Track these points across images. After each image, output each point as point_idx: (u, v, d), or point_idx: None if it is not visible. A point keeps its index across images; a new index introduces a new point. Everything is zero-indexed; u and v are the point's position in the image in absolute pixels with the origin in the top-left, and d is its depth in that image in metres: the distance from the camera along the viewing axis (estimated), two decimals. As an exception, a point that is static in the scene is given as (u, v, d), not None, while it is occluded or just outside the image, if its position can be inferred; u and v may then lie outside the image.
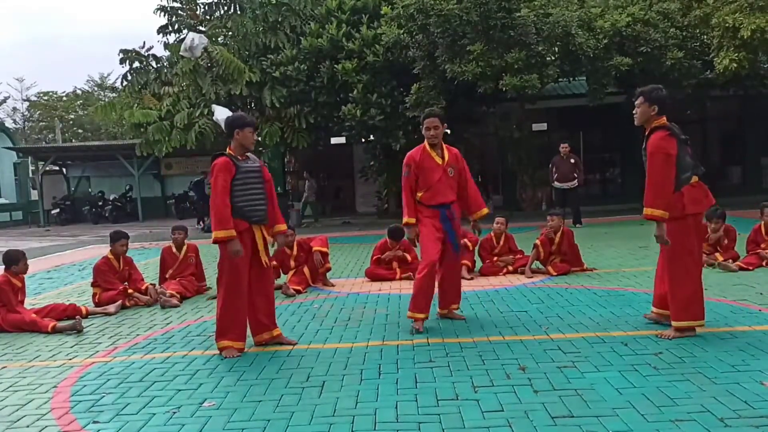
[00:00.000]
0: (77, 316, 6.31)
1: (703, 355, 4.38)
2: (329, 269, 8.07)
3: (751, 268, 7.51)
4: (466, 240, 8.01)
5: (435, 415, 3.56)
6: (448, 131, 17.69)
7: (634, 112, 4.92)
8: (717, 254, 7.87)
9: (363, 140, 18.04)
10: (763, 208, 8.00)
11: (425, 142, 5.57)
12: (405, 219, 5.55)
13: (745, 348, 4.50)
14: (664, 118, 4.78)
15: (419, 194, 5.52)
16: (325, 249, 7.94)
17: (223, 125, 15.13)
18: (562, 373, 4.17)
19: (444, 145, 5.60)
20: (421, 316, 5.38)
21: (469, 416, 3.52)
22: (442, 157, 5.52)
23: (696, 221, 4.86)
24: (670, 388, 3.79)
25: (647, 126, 4.81)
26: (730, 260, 7.69)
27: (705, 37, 15.00)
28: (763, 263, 7.63)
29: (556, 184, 13.45)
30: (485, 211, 5.78)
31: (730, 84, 15.98)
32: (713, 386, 3.80)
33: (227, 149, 5.15)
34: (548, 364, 4.36)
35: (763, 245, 7.89)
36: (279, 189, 20.43)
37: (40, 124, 46.14)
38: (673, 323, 4.83)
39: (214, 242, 4.86)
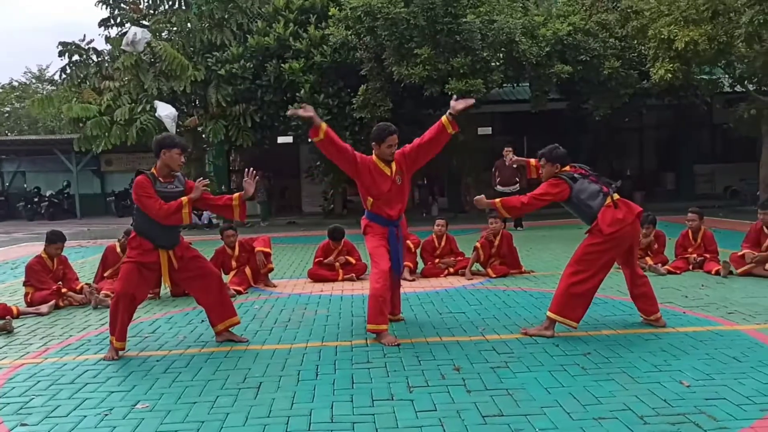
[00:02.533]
0: (7, 317, 6.14)
1: (629, 356, 4.57)
2: (271, 270, 8.05)
3: (679, 271, 7.85)
4: (408, 241, 8.11)
5: (369, 415, 3.61)
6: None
7: (540, 173, 5.50)
8: (647, 258, 8.17)
9: (309, 140, 17.99)
10: (688, 213, 8.34)
11: (374, 156, 5.42)
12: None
13: (668, 348, 4.72)
14: (567, 167, 5.33)
15: (369, 201, 5.40)
16: (267, 249, 7.92)
17: (165, 122, 14.97)
18: (495, 373, 4.28)
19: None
20: (385, 327, 5.14)
21: (403, 416, 3.59)
22: (391, 168, 5.43)
23: (621, 237, 5.10)
24: (596, 388, 3.95)
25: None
26: (660, 264, 8.00)
27: (642, 47, 15.56)
28: (690, 267, 7.98)
29: (499, 187, 13.69)
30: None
31: (666, 94, 16.61)
32: (636, 385, 3.97)
33: (152, 168, 5.08)
34: (482, 364, 4.48)
35: (690, 249, 8.25)
36: (224, 188, 20.19)
37: (-27, 116, 44.29)
38: (549, 313, 5.14)
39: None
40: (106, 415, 3.75)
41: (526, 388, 3.98)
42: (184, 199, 4.98)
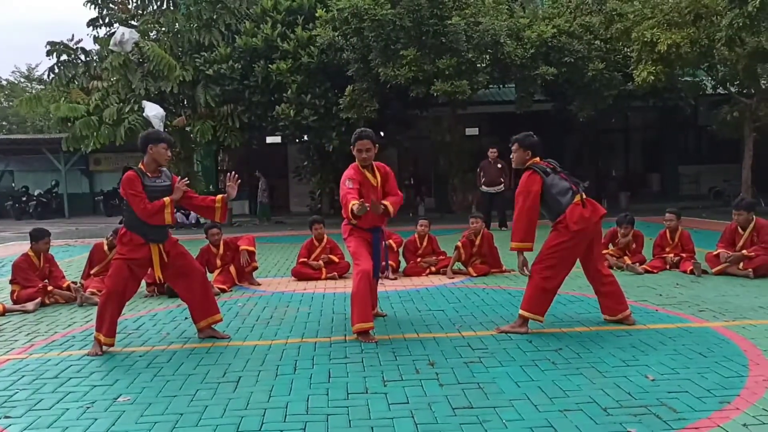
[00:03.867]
0: (-7, 314, 6.21)
1: (599, 351, 4.71)
2: (256, 268, 8.17)
3: (655, 271, 8.01)
4: (390, 241, 8.25)
5: (344, 408, 3.73)
6: (381, 133, 18.02)
7: (511, 156, 5.48)
8: (625, 257, 8.35)
9: (297, 140, 18.11)
10: (666, 214, 8.51)
11: (357, 163, 5.46)
12: (351, 204, 5.09)
13: (637, 344, 4.87)
14: (538, 158, 5.37)
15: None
16: (251, 248, 8.03)
17: (153, 122, 15.02)
18: (468, 368, 4.41)
19: (374, 164, 5.52)
20: (371, 325, 5.17)
21: (376, 408, 3.72)
22: (376, 177, 5.49)
23: (585, 235, 5.26)
24: (564, 381, 4.09)
25: (523, 167, 5.37)
26: (637, 263, 8.17)
27: (626, 50, 15.77)
28: (667, 266, 8.15)
29: (484, 188, 13.85)
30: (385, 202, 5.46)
31: (650, 96, 16.84)
32: (603, 379, 4.11)
33: (139, 164, 5.18)
34: (456, 359, 4.61)
35: (668, 249, 8.42)
36: (211, 187, 20.26)
37: (-39, 114, 44.09)
38: (522, 311, 5.31)
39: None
40: (88, 407, 3.85)
41: (496, 382, 4.12)
42: (167, 199, 5.08)
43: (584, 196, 5.32)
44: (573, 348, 4.81)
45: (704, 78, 17.52)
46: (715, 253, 7.84)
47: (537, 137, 5.50)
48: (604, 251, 8.46)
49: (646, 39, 14.23)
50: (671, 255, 8.26)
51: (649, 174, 23.12)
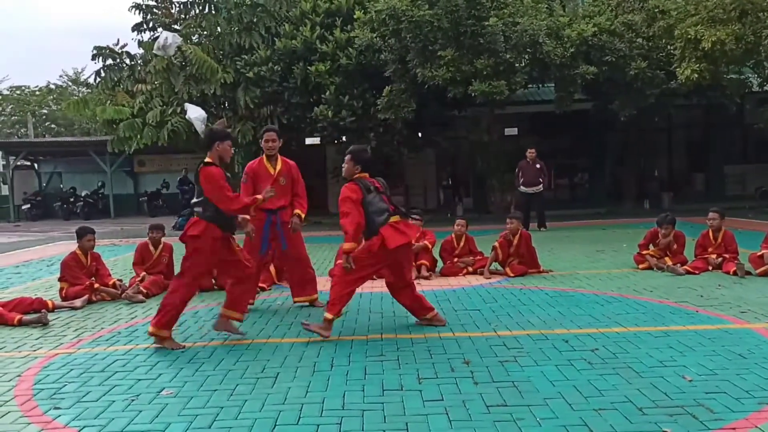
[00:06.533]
0: (43, 310, 6.44)
1: (636, 352, 4.68)
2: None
3: (697, 272, 7.87)
4: (425, 241, 8.30)
5: (379, 404, 3.80)
6: (419, 134, 18.05)
7: (343, 165, 5.61)
8: (666, 258, 8.23)
9: (335, 141, 18.25)
10: (709, 213, 8.35)
11: (264, 154, 6.45)
12: (243, 214, 5.54)
13: (675, 345, 4.82)
14: (366, 174, 5.50)
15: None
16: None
17: (195, 124, 15.32)
18: (503, 366, 4.44)
19: (280, 158, 6.51)
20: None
21: (411, 405, 3.78)
22: (275, 168, 6.42)
23: (394, 254, 5.35)
24: (600, 381, 4.08)
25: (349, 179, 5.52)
26: (678, 264, 8.04)
27: (669, 47, 15.47)
28: (709, 268, 8.00)
29: (522, 188, 13.78)
30: (298, 211, 6.50)
31: (694, 94, 16.48)
32: (639, 380, 4.09)
33: (207, 158, 5.29)
34: (491, 358, 4.63)
35: (710, 249, 8.26)
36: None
37: (12, 118, 45.53)
38: (327, 314, 5.33)
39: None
40: (133, 400, 4.00)
41: (531, 380, 4.13)
42: (258, 198, 5.46)
43: (397, 219, 5.38)
44: (609, 348, 4.78)
45: (750, 75, 17.05)
46: (759, 253, 7.67)
47: (368, 147, 5.82)
48: (645, 252, 8.39)
49: (689, 36, 13.93)
50: (714, 255, 8.11)
51: (692, 174, 22.60)
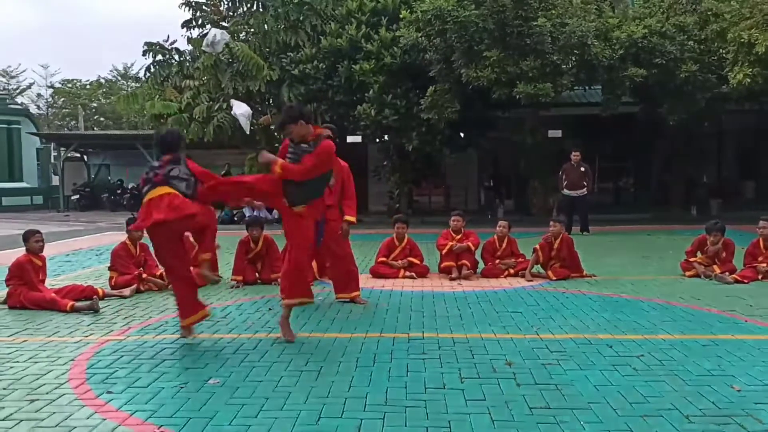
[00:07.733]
0: (94, 297, 6.64)
1: (683, 360, 4.61)
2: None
3: (746, 281, 7.69)
4: (468, 242, 8.29)
5: (421, 401, 3.83)
6: (461, 134, 17.98)
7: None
8: (715, 266, 8.05)
9: (377, 140, 18.32)
10: (760, 221, 8.15)
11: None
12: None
13: (724, 355, 4.73)
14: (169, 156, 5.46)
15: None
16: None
17: (240, 120, 15.54)
18: (545, 369, 4.42)
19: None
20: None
21: (453, 403, 3.79)
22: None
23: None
24: (645, 388, 4.03)
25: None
26: (727, 273, 7.86)
27: (722, 51, 15.10)
28: (759, 277, 7.80)
29: (566, 191, 13.63)
30: (348, 218, 6.62)
31: (746, 99, 16.06)
32: (686, 387, 4.04)
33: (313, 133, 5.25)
34: (534, 360, 4.62)
35: (760, 258, 8.05)
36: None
37: (64, 111, 46.88)
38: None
39: None
40: (182, 387, 4.10)
41: (575, 384, 4.11)
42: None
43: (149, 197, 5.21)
44: (656, 355, 4.72)
45: (806, 81, 16.55)
46: (812, 264, 7.46)
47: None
48: (692, 259, 8.23)
49: (743, 40, 13.61)
50: (764, 264, 7.91)
51: (743, 181, 22.04)
